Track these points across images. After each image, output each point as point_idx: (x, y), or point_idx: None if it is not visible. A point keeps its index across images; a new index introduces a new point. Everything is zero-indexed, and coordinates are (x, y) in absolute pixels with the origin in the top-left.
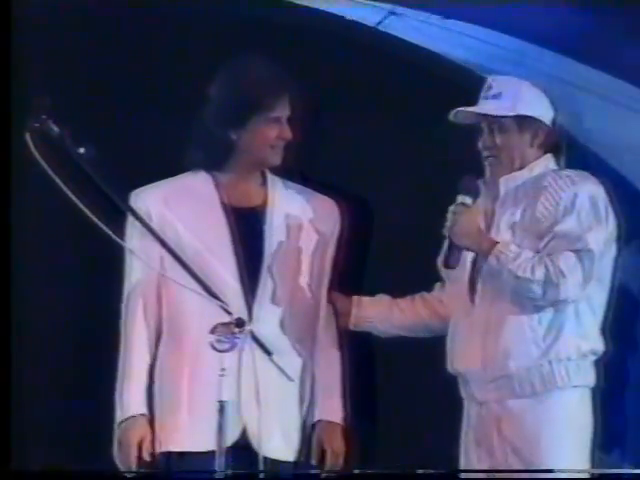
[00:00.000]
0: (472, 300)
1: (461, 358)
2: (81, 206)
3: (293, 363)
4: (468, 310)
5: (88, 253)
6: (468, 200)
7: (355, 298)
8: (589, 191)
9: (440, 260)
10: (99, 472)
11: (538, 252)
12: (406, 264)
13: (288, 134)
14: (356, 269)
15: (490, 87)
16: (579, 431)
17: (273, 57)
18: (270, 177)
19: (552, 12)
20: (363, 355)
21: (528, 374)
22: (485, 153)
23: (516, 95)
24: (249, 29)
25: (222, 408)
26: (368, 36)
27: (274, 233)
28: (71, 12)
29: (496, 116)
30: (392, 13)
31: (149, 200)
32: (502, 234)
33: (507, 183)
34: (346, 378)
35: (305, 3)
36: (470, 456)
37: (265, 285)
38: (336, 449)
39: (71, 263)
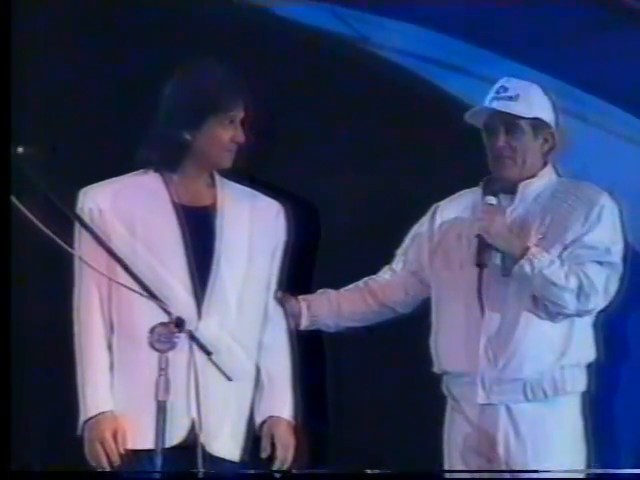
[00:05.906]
0: (480, 304)
1: (459, 359)
2: (22, 209)
3: (238, 363)
4: (470, 313)
5: None
6: (494, 200)
7: (301, 298)
8: (611, 205)
9: (473, 260)
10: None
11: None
12: (353, 266)
13: (241, 137)
14: (304, 271)
15: (506, 89)
16: (580, 435)
17: (226, 59)
18: (218, 178)
19: (496, 12)
20: (316, 353)
21: (541, 379)
22: (499, 154)
23: (531, 98)
24: (202, 31)
25: (160, 408)
26: (320, 38)
27: (224, 233)
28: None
29: (518, 117)
30: (336, 13)
31: (98, 197)
32: None
33: (525, 189)
34: (297, 377)
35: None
36: (466, 459)
37: (213, 285)
38: (284, 443)
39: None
